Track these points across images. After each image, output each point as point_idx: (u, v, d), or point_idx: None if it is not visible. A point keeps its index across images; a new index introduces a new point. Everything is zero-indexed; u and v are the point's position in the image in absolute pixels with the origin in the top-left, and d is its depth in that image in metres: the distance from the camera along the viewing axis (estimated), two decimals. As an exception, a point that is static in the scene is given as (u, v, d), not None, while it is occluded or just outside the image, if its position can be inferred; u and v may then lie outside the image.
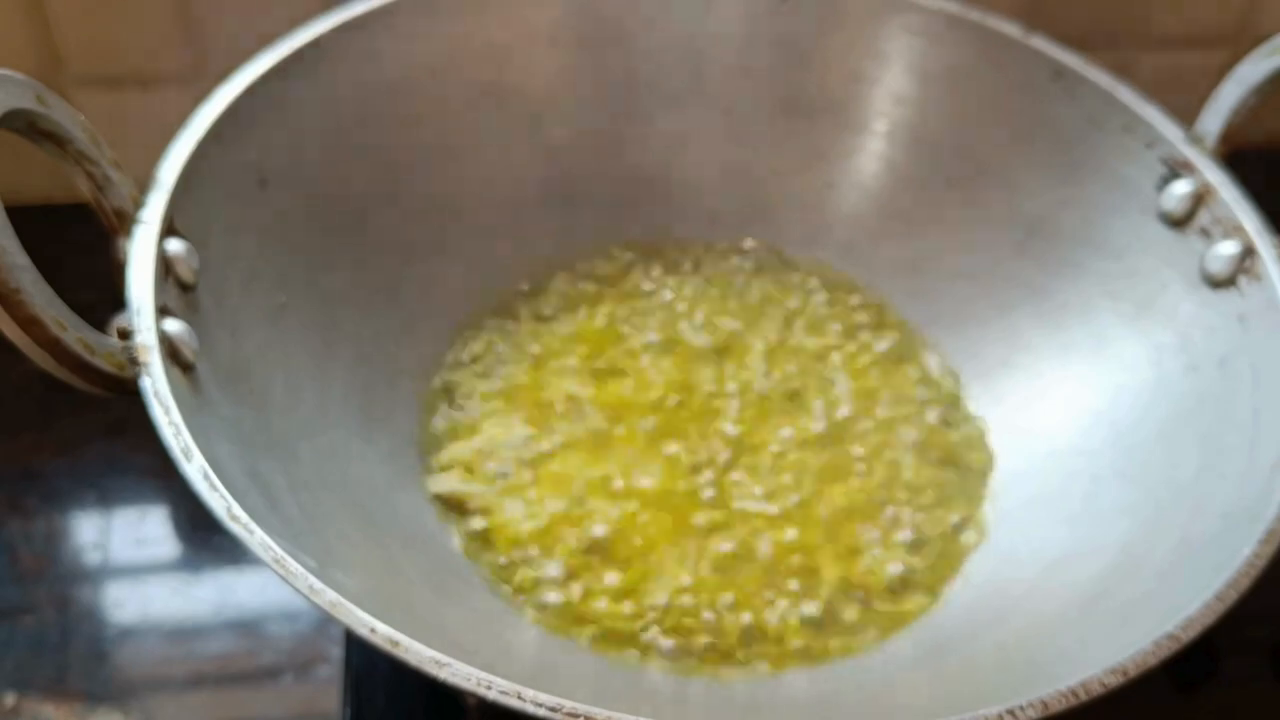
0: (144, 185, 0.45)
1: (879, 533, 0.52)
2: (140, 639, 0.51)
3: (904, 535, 0.52)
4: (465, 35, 0.58)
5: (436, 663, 0.35)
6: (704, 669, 0.47)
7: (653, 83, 0.61)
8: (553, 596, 0.48)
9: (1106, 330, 0.54)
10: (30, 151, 0.43)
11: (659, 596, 0.49)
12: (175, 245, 0.45)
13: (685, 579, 0.49)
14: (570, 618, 0.48)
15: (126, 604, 0.52)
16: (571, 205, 0.61)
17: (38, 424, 0.57)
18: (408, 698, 0.50)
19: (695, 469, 0.53)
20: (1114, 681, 0.38)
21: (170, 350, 0.42)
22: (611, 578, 0.49)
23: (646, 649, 0.48)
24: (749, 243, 0.62)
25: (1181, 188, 0.52)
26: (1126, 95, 0.54)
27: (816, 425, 0.55)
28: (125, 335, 0.42)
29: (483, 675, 0.35)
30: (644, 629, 0.48)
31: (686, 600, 0.49)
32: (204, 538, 0.54)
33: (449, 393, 0.55)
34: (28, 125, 0.43)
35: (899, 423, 0.56)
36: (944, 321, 0.59)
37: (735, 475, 0.53)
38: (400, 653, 0.35)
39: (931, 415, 0.56)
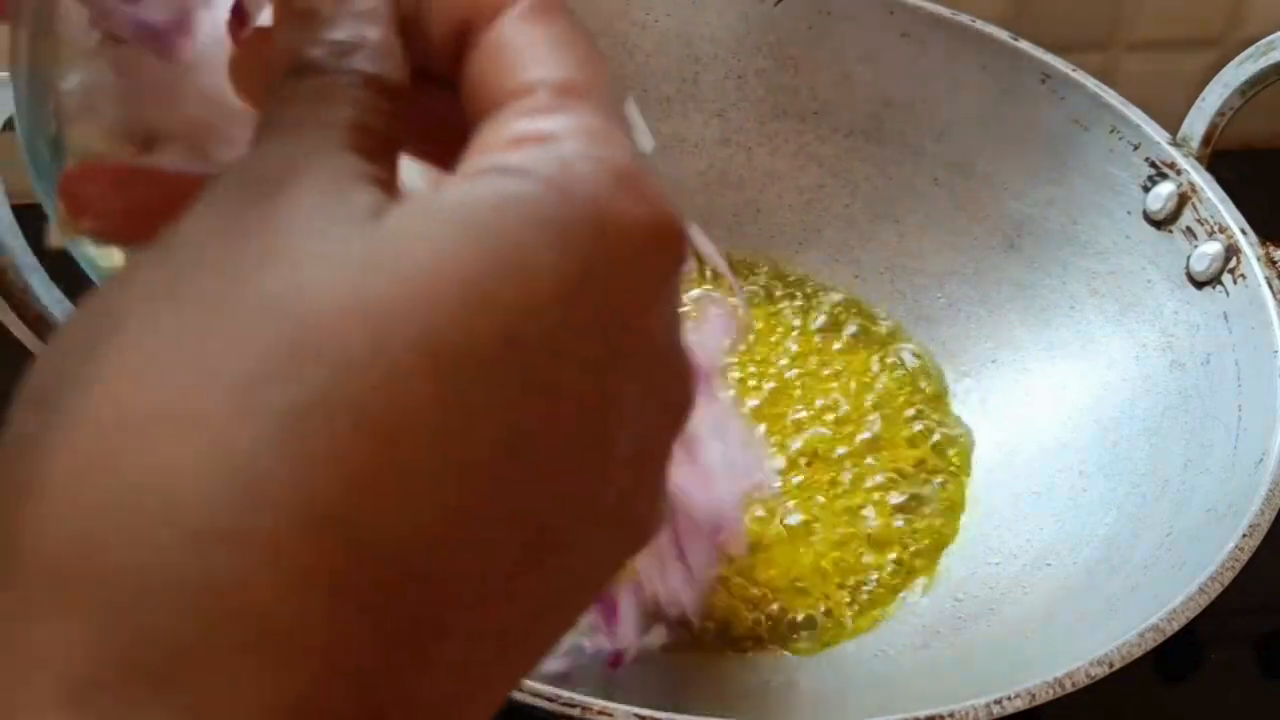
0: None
1: (867, 527, 0.52)
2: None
3: (893, 529, 0.52)
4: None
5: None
6: (703, 660, 0.48)
7: (646, 86, 0.61)
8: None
9: (1093, 328, 0.55)
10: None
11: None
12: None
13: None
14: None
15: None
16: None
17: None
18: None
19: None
20: (1100, 672, 0.38)
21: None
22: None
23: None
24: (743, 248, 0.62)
25: (1167, 188, 0.53)
26: (1112, 98, 0.55)
27: (806, 424, 0.55)
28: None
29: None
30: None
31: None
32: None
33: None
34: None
35: (886, 420, 0.56)
36: (932, 319, 0.59)
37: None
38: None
39: (919, 412, 0.56)
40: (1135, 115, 0.54)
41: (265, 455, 0.15)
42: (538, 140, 0.18)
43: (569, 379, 0.17)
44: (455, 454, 0.16)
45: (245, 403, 0.15)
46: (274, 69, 0.20)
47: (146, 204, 0.23)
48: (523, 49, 0.19)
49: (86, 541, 0.15)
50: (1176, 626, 0.39)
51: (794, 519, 0.52)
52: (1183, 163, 0.53)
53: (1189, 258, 0.52)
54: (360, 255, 0.16)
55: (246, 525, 0.15)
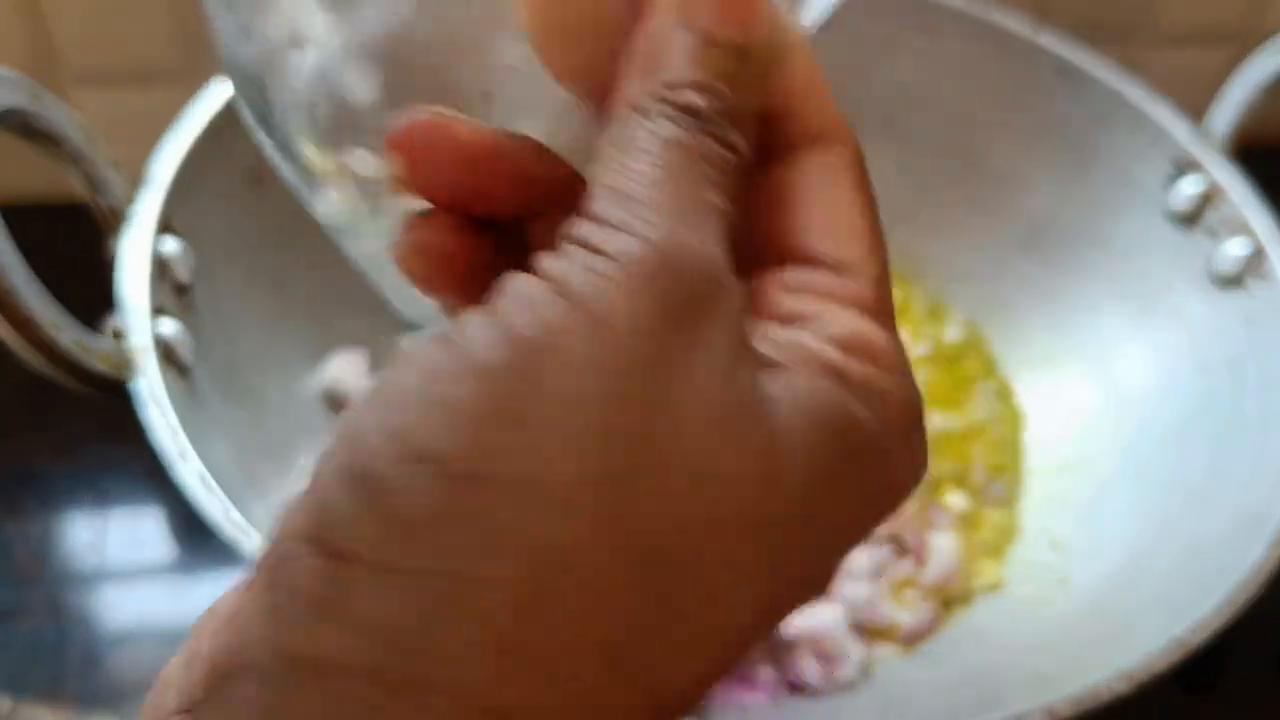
0: (140, 184, 0.45)
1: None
2: (136, 643, 0.50)
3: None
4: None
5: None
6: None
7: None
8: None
9: (1113, 331, 0.54)
10: (24, 151, 0.43)
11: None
12: (172, 245, 0.44)
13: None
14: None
15: (122, 607, 0.52)
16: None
17: (34, 425, 0.57)
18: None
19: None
20: (1122, 687, 0.37)
21: (166, 351, 0.42)
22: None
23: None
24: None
25: (1189, 186, 0.52)
26: (1134, 93, 0.54)
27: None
28: (120, 336, 0.42)
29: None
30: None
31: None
32: (201, 540, 0.54)
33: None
34: (22, 125, 0.42)
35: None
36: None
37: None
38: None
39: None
40: (1156, 111, 0.53)
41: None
42: (866, 352, 0.20)
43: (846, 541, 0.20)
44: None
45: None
46: (649, 74, 0.20)
47: (493, 186, 0.21)
48: (841, 207, 0.22)
49: None
50: (1201, 639, 0.39)
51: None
52: (1205, 160, 0.51)
53: (1212, 258, 0.51)
54: (757, 454, 0.18)
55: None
